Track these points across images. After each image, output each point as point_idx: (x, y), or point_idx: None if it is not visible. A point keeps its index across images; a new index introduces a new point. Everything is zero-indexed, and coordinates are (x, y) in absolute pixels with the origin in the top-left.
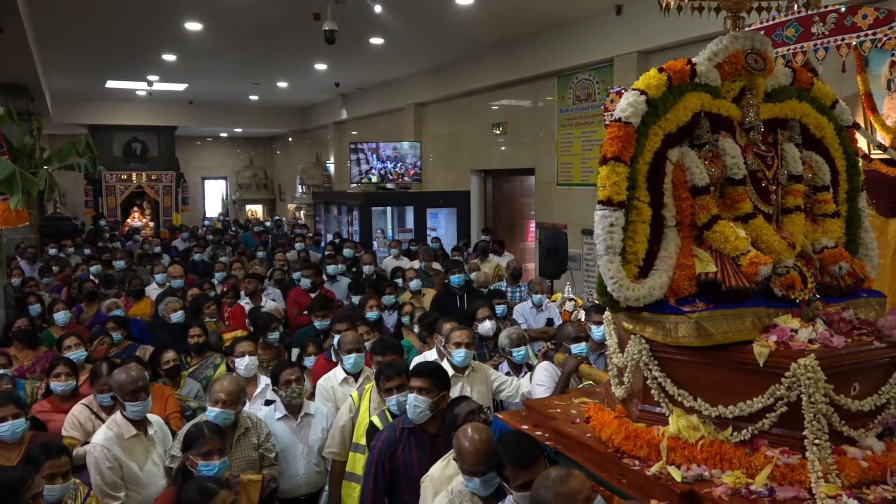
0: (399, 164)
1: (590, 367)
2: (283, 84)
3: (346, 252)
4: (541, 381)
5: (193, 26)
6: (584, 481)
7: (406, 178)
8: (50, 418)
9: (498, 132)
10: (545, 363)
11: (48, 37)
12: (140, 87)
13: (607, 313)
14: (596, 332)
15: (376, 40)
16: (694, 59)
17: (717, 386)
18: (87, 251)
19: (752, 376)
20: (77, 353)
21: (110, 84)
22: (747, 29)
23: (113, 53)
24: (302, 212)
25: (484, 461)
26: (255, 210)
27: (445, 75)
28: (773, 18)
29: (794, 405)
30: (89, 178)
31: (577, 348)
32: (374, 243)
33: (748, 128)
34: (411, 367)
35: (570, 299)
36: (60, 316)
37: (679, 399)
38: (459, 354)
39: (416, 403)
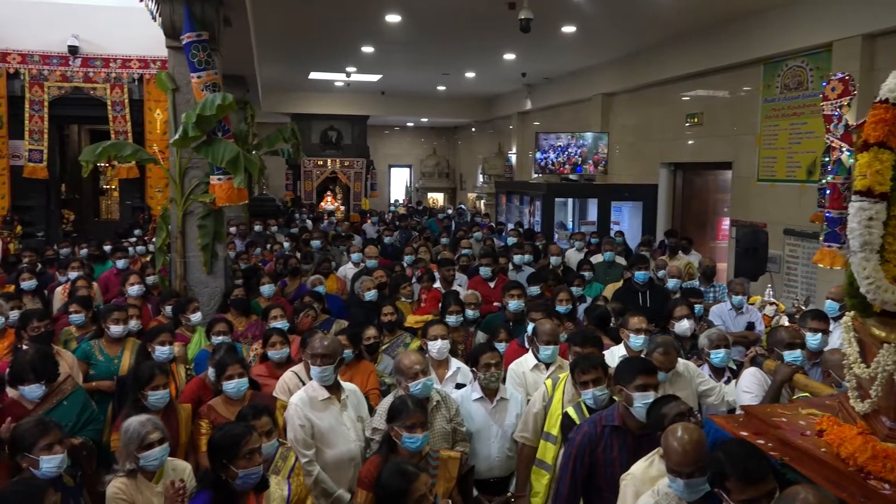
0: (562, 154)
1: (806, 378)
2: (470, 74)
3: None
4: (748, 387)
5: (393, 18)
6: None
7: (567, 166)
8: (265, 382)
9: (691, 123)
10: (753, 369)
11: (266, 32)
12: (339, 79)
13: (846, 318)
14: (811, 339)
15: (568, 28)
16: None
17: None
18: (291, 230)
19: None
20: (280, 324)
21: (313, 75)
22: None
23: (318, 46)
24: (482, 201)
25: (691, 463)
26: (437, 198)
27: (636, 64)
28: None
29: None
30: (290, 163)
31: (791, 356)
32: (556, 235)
33: None
34: (639, 363)
35: (771, 303)
36: (266, 289)
37: None
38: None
39: (645, 401)
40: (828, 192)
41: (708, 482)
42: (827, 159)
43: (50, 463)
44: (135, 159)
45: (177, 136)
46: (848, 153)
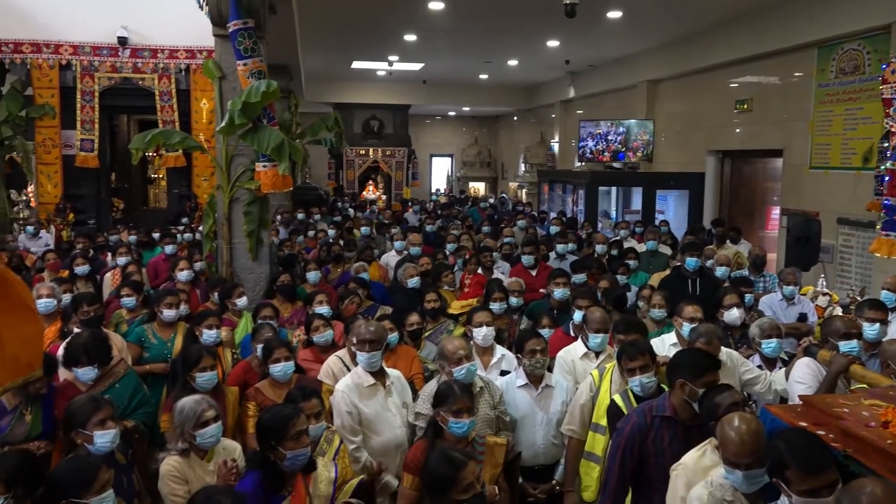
0: (601, 141)
1: (863, 369)
2: (513, 62)
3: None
4: (801, 378)
5: (436, 6)
6: None
7: (607, 154)
8: (310, 367)
9: (740, 110)
10: (807, 359)
11: (309, 20)
12: (381, 67)
13: None
14: (868, 330)
15: (614, 14)
16: None
17: None
18: (334, 218)
19: None
20: (323, 309)
21: (355, 64)
22: None
23: (361, 34)
24: (524, 191)
25: (750, 454)
26: (478, 187)
27: (684, 50)
28: None
29: None
30: (332, 153)
31: (847, 346)
32: (599, 224)
33: None
34: (707, 360)
35: (825, 294)
36: (313, 275)
37: None
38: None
39: None
40: (886, 179)
41: (766, 473)
42: (886, 144)
43: (103, 438)
44: (182, 147)
45: (223, 124)
46: None
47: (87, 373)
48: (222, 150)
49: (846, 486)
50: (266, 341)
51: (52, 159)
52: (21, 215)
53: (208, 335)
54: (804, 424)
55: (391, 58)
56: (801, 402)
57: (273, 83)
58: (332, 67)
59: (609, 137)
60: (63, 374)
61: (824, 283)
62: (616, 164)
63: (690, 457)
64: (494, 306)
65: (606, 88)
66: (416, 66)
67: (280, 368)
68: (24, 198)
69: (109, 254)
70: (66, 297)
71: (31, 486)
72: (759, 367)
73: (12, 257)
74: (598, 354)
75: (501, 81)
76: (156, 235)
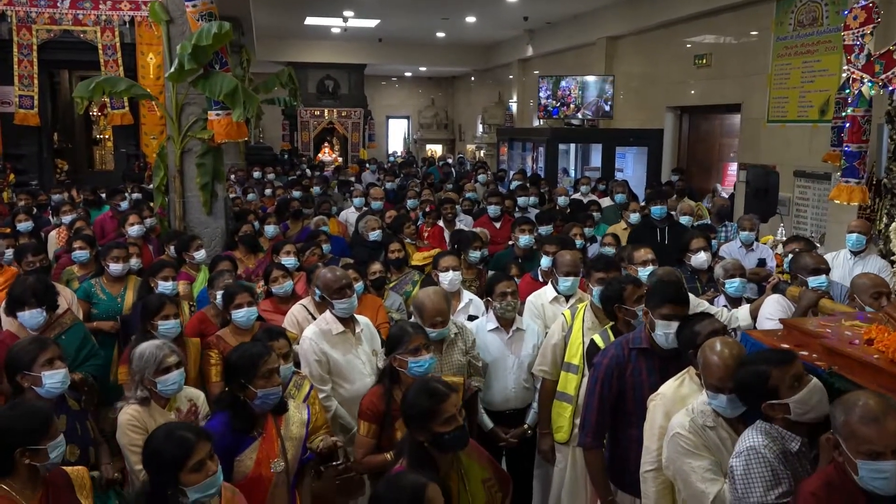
0: (548, 99)
1: (832, 303)
2: (471, 19)
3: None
4: (771, 314)
5: None
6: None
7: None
8: (271, 318)
9: (699, 66)
10: (776, 296)
11: None
12: (336, 24)
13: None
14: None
15: None
16: None
17: None
18: (288, 178)
19: None
20: (291, 260)
21: (309, 21)
22: None
23: None
24: (482, 151)
25: (733, 377)
26: (435, 149)
27: (643, 5)
28: None
29: None
30: (286, 114)
31: (816, 281)
32: (559, 182)
33: None
34: (671, 290)
35: (784, 242)
36: (270, 229)
37: None
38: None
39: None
40: (847, 125)
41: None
42: (847, 91)
43: (53, 378)
44: (129, 94)
45: (172, 70)
46: (869, 84)
47: (34, 316)
48: (172, 98)
49: (840, 398)
50: (226, 287)
51: None
52: None
53: (164, 287)
54: (787, 346)
55: (346, 13)
56: (782, 327)
57: (225, 24)
58: (284, 24)
59: (543, 94)
60: (8, 323)
61: (782, 231)
62: (575, 122)
63: (668, 386)
64: (475, 254)
65: (565, 46)
66: (372, 23)
67: (243, 314)
68: None
69: (52, 213)
70: (9, 253)
71: None
72: (725, 307)
73: None
74: (567, 298)
75: (459, 40)
76: (103, 195)
